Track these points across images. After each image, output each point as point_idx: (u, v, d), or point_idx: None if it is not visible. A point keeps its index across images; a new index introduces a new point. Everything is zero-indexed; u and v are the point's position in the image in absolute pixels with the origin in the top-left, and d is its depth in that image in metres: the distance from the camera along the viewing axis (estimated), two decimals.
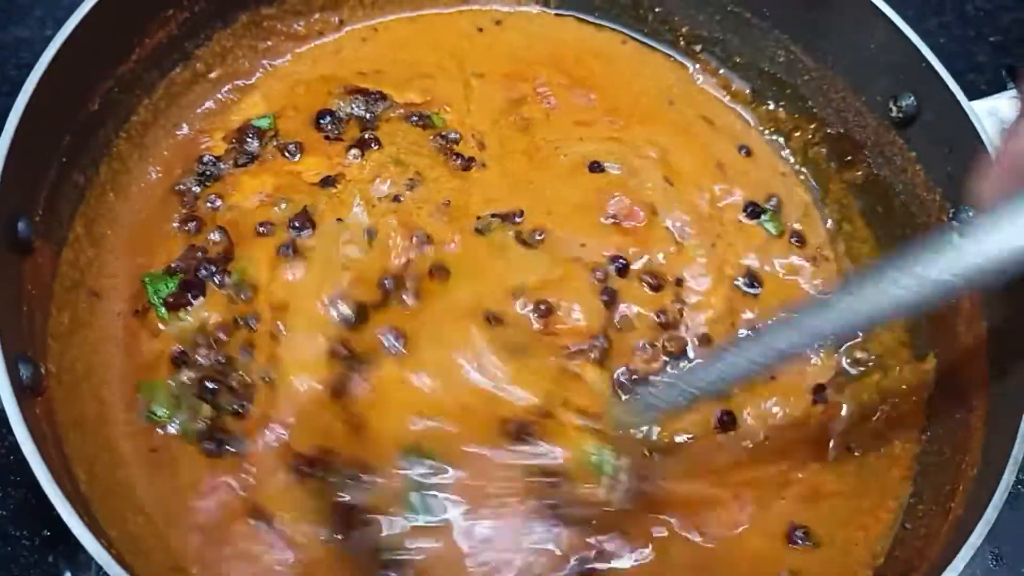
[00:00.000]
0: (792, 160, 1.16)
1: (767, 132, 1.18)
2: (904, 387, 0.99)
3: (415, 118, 1.09)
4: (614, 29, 1.22)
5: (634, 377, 0.96)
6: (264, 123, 1.07)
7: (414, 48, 1.16)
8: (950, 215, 0.98)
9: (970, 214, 0.95)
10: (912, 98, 1.02)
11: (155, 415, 0.89)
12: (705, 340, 0.99)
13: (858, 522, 0.93)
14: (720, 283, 1.03)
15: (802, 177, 1.15)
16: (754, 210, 1.10)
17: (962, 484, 0.86)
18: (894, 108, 1.04)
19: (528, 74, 1.16)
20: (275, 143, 1.06)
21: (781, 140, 1.17)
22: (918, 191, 1.03)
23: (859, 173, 1.11)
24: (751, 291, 1.04)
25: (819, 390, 1.00)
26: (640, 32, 1.22)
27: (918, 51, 0.99)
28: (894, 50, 1.01)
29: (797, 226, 1.10)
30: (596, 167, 1.08)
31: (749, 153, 1.15)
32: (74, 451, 0.81)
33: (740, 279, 1.04)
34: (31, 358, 0.80)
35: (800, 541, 0.91)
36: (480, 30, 1.19)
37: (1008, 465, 0.80)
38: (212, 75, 1.09)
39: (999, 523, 0.79)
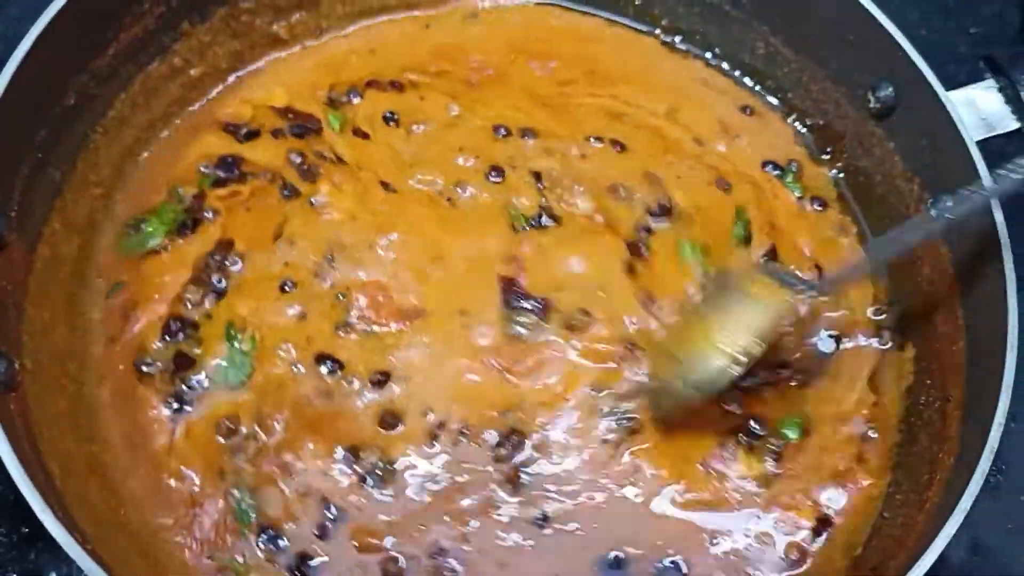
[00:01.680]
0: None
1: None
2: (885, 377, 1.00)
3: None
4: (597, 15, 1.22)
5: None
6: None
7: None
8: (927, 204, 0.98)
9: (948, 203, 0.96)
10: (890, 89, 1.02)
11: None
12: None
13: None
14: None
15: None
16: (775, 166, 1.11)
17: (939, 473, 0.86)
18: (873, 99, 1.04)
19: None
20: None
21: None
22: (896, 181, 1.03)
23: (839, 164, 1.11)
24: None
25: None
26: (623, 16, 1.21)
27: (896, 42, 0.99)
28: (873, 41, 1.01)
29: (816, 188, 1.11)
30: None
31: (752, 112, 1.16)
32: (48, 447, 0.81)
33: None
34: (5, 354, 0.80)
35: None
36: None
37: (984, 454, 0.80)
38: (192, 71, 1.08)
39: (978, 512, 0.79)
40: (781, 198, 1.09)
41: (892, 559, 0.83)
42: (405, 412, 0.91)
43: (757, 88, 1.17)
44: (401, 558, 0.86)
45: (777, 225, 1.06)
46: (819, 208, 1.09)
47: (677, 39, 1.20)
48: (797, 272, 0.99)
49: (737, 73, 1.18)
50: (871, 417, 0.97)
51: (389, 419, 0.91)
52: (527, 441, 0.91)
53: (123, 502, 0.86)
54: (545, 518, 0.88)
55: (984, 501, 0.80)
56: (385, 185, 1.03)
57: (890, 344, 1.01)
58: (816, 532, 0.91)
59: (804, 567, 0.90)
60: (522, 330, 0.96)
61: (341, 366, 0.92)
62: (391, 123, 1.09)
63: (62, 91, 0.93)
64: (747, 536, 0.90)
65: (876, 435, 0.96)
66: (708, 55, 1.19)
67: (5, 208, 0.85)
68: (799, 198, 1.09)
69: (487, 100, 1.12)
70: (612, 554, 0.88)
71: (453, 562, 0.86)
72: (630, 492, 0.90)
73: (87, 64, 0.96)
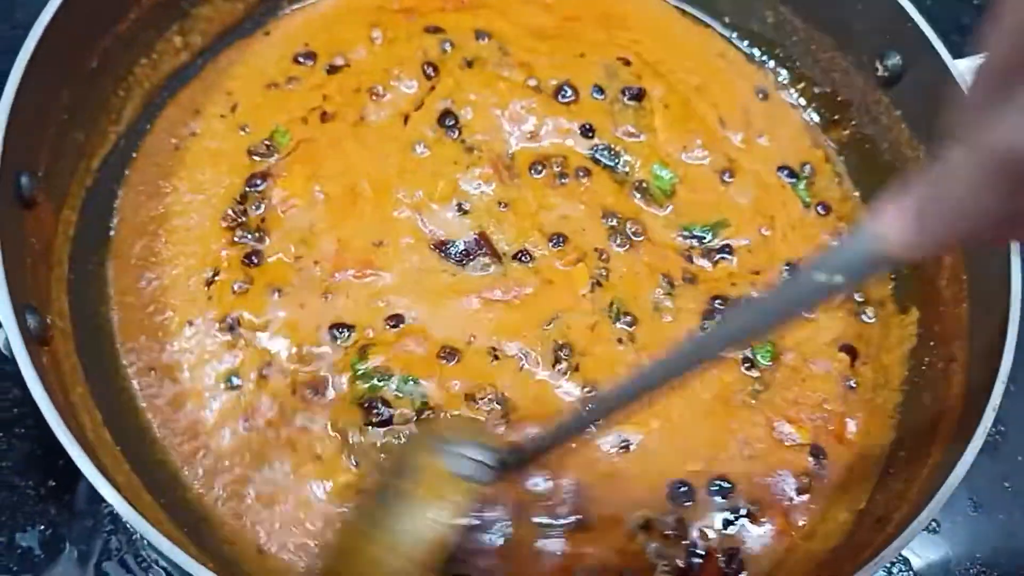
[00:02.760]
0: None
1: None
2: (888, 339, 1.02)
3: None
4: None
5: None
6: None
7: None
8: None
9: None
10: (898, 57, 1.04)
11: None
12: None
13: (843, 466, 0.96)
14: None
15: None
16: (790, 172, 1.11)
17: (942, 430, 0.89)
18: (880, 67, 1.06)
19: None
20: None
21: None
22: (903, 149, 1.05)
23: (846, 132, 1.13)
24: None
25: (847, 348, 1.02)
26: None
27: (904, 11, 1.00)
28: (880, 10, 1.03)
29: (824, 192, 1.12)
30: None
31: (766, 97, 1.17)
32: (80, 401, 0.83)
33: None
34: (37, 309, 0.82)
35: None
36: None
37: (986, 411, 0.82)
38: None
39: (978, 471, 0.81)
40: (788, 206, 1.09)
41: (896, 511, 0.85)
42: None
43: (766, 59, 1.19)
44: None
45: (771, 230, 1.08)
46: (822, 212, 1.10)
47: (688, 7, 1.21)
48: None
49: (747, 43, 1.20)
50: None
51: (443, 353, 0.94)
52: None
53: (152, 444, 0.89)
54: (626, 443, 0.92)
55: (983, 460, 0.82)
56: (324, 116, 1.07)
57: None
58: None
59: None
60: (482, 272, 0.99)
61: (351, 328, 0.94)
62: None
63: (87, 54, 0.94)
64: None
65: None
66: (717, 24, 1.21)
67: (34, 167, 0.86)
68: (805, 205, 1.10)
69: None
70: (679, 478, 0.92)
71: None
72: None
73: (110, 28, 0.97)
